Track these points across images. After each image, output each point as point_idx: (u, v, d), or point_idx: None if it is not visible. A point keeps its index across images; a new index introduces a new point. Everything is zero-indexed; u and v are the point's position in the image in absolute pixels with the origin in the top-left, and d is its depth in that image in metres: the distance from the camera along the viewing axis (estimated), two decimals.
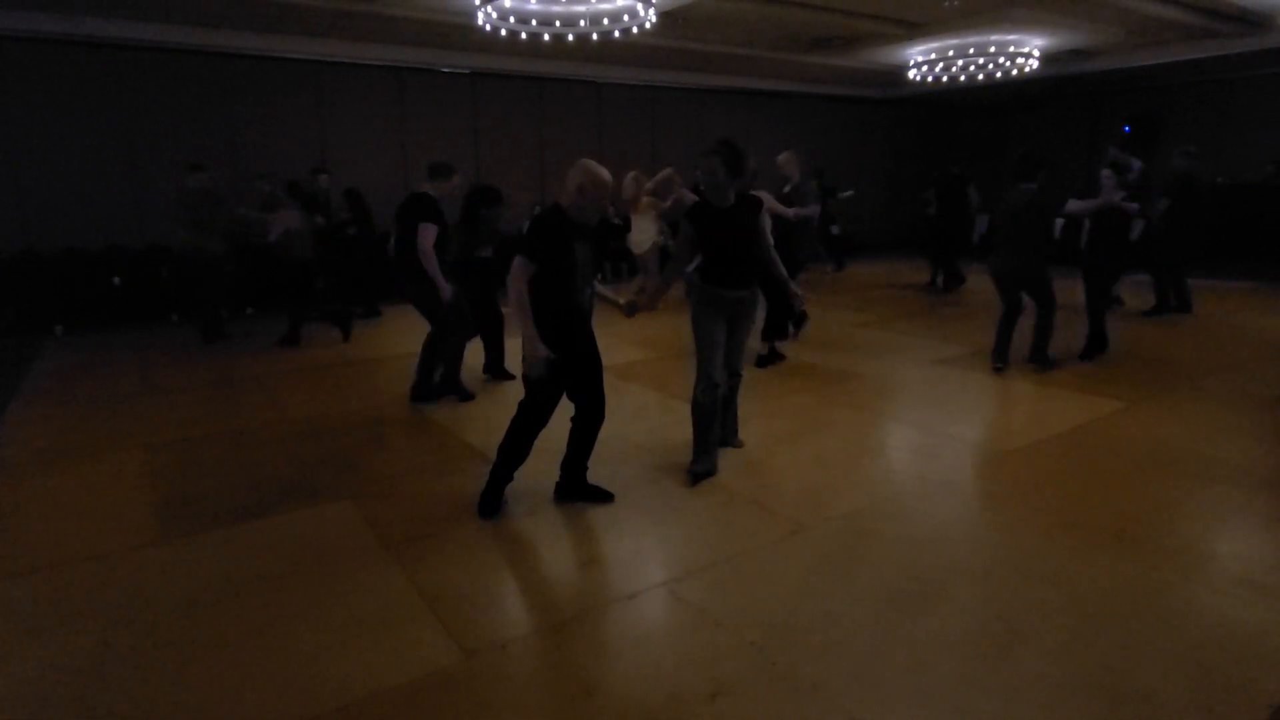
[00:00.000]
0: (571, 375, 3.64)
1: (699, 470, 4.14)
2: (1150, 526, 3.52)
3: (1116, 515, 3.63)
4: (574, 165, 3.56)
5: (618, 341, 7.60)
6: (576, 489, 3.87)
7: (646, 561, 3.35)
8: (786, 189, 7.17)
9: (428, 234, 5.37)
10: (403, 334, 8.39)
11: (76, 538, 3.62)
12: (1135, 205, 6.68)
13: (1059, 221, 6.61)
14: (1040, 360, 6.30)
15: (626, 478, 4.12)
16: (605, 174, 3.54)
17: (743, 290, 4.08)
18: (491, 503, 3.72)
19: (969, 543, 3.45)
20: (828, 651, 2.62)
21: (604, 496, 3.86)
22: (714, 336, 4.11)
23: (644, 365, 6.72)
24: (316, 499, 4.00)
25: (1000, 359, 6.32)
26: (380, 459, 4.62)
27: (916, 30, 10.67)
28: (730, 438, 4.63)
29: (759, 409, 5.41)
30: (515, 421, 3.70)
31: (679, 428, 5.03)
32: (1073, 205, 6.40)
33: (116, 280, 9.25)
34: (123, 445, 4.91)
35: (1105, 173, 6.64)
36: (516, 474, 3.78)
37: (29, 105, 8.98)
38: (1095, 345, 6.68)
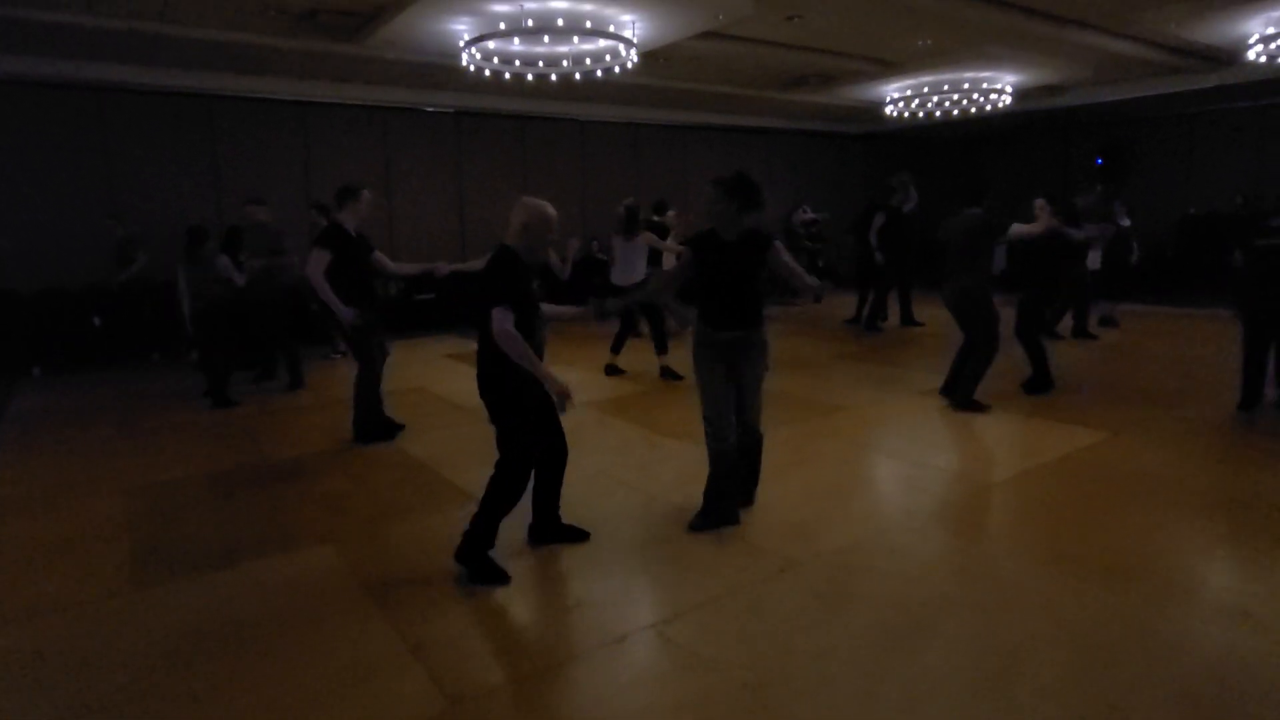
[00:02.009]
0: (542, 425, 3.49)
1: (696, 524, 3.91)
2: (1140, 556, 3.52)
3: (1106, 546, 3.63)
4: (517, 203, 3.43)
5: (603, 376, 7.59)
6: (551, 530, 3.79)
7: (635, 602, 3.30)
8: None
9: (315, 260, 5.23)
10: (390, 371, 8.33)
11: (50, 586, 3.52)
12: (1079, 232, 6.63)
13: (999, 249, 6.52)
14: (961, 398, 6.01)
15: (612, 516, 4.08)
16: (550, 209, 3.43)
17: (736, 331, 3.84)
18: (490, 570, 3.42)
19: (960, 576, 3.42)
20: (820, 690, 2.58)
21: (579, 536, 3.79)
22: (710, 382, 3.88)
23: (630, 400, 6.70)
24: (297, 543, 3.92)
25: (949, 391, 6.24)
26: (362, 501, 4.55)
27: (892, 68, 10.90)
28: (747, 493, 4.19)
29: None
30: (494, 487, 3.43)
31: (665, 464, 5.00)
32: (1016, 229, 6.18)
33: (97, 320, 9.15)
34: (99, 490, 4.81)
35: (1039, 201, 6.54)
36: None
37: (8, 146, 8.95)
38: (1040, 382, 6.51)
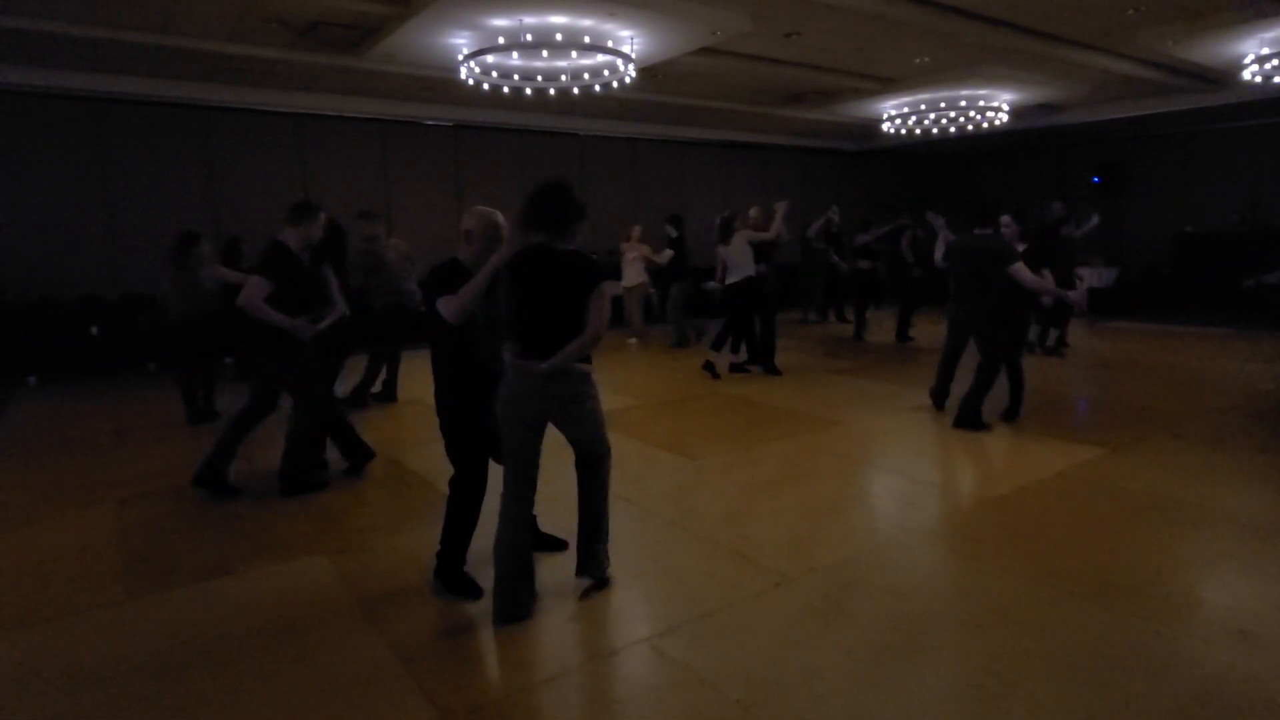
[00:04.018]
0: (491, 438, 3.41)
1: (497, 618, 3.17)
2: (1137, 575, 3.50)
3: (1102, 563, 3.61)
4: (466, 213, 3.41)
5: (602, 389, 7.56)
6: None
7: (628, 616, 3.27)
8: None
9: (253, 288, 4.45)
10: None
11: (40, 596, 3.49)
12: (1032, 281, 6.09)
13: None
14: (967, 420, 5.94)
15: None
16: (497, 217, 3.34)
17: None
18: (462, 583, 3.41)
19: (954, 593, 3.41)
20: (813, 708, 2.55)
21: (557, 545, 3.78)
22: (513, 438, 3.22)
23: (627, 413, 6.68)
24: (290, 554, 3.89)
25: (938, 401, 6.43)
26: (356, 513, 4.52)
27: (889, 85, 10.98)
28: (587, 566, 3.41)
29: (740, 458, 5.39)
30: (453, 500, 3.43)
31: (661, 478, 4.99)
32: (1016, 270, 5.86)
33: (94, 330, 9.15)
34: (91, 498, 4.78)
35: (1005, 219, 6.46)
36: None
37: (7, 155, 8.98)
38: (1014, 409, 6.27)
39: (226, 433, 4.79)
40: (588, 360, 3.27)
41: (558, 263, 3.15)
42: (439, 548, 3.48)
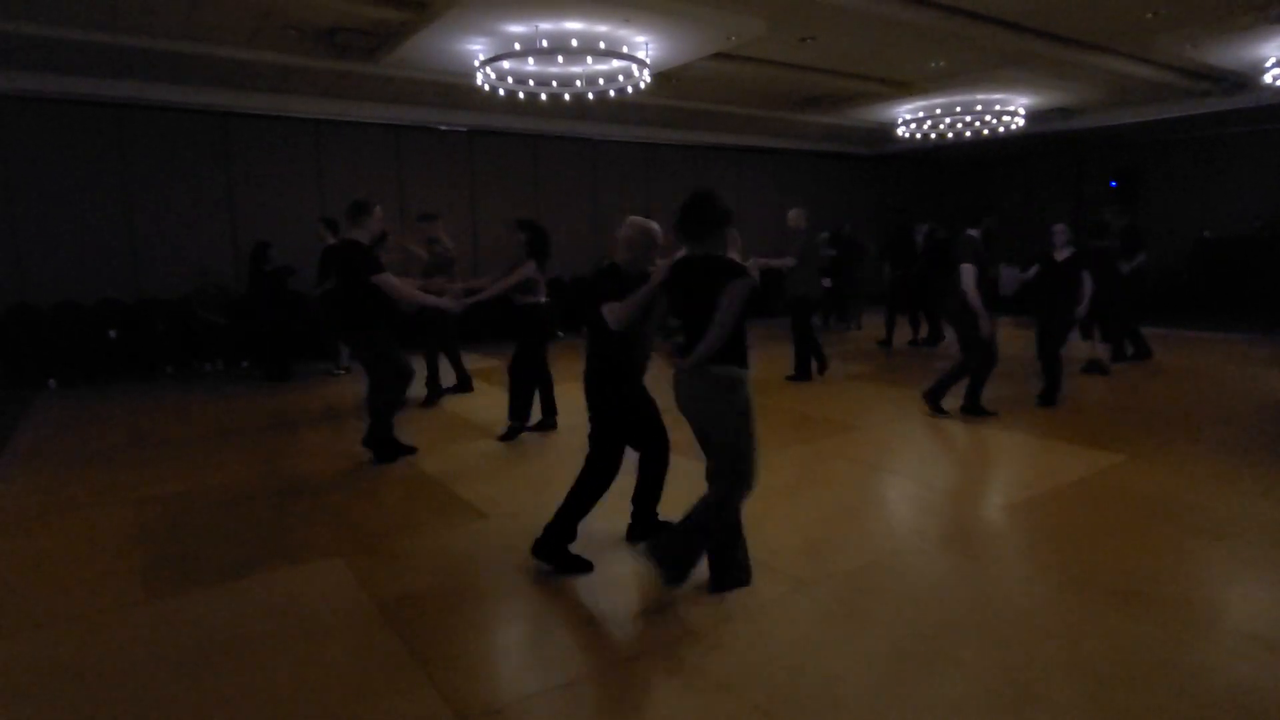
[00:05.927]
0: (640, 424, 3.76)
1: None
2: (1159, 582, 3.46)
3: (1123, 571, 3.57)
4: (623, 222, 3.73)
5: None
6: (648, 527, 3.97)
7: (647, 621, 3.25)
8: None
9: (392, 284, 5.24)
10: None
11: (60, 597, 3.52)
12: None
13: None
14: (933, 401, 6.47)
15: (624, 534, 4.04)
16: (651, 226, 3.68)
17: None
18: (570, 561, 3.63)
19: (973, 600, 3.37)
20: (832, 714, 2.53)
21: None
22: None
23: None
24: (307, 556, 3.91)
25: (981, 409, 6.45)
26: (373, 514, 4.54)
27: (905, 89, 10.94)
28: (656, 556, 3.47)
29: None
30: (584, 479, 3.66)
31: (676, 482, 4.95)
32: (965, 279, 6.24)
33: (112, 333, 9.24)
34: (111, 501, 4.83)
35: (1059, 227, 6.78)
36: (513, 529, 3.72)
37: (27, 161, 9.09)
38: (1049, 396, 6.77)
39: (385, 407, 5.50)
40: (732, 362, 3.29)
41: (696, 268, 3.35)
42: (550, 525, 3.62)
